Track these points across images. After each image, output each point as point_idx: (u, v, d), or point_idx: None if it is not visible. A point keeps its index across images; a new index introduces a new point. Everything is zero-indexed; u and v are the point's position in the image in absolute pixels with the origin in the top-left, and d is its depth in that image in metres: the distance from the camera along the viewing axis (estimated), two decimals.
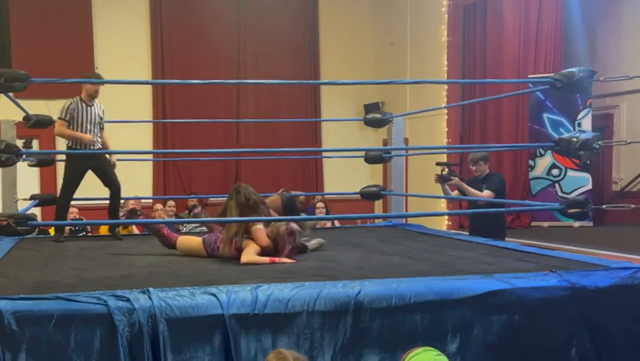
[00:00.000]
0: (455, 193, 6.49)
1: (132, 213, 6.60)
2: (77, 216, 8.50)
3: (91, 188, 10.27)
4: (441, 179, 6.30)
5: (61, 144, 10.97)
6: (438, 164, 6.46)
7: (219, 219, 4.64)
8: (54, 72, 9.69)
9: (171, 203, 9.51)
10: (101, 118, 6.27)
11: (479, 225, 6.48)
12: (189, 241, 5.00)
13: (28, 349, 2.98)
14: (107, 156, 6.20)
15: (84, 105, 6.09)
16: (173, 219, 9.12)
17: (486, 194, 6.23)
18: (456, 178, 6.29)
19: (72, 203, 8.82)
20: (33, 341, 2.98)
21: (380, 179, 10.41)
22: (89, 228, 8.04)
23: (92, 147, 6.08)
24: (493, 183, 6.38)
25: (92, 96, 6.13)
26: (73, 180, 6.08)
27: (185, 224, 8.30)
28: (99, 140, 6.21)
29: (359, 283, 3.46)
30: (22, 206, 6.52)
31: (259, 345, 3.16)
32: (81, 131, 6.03)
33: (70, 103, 6.05)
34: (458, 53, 10.38)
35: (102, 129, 6.29)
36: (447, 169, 6.29)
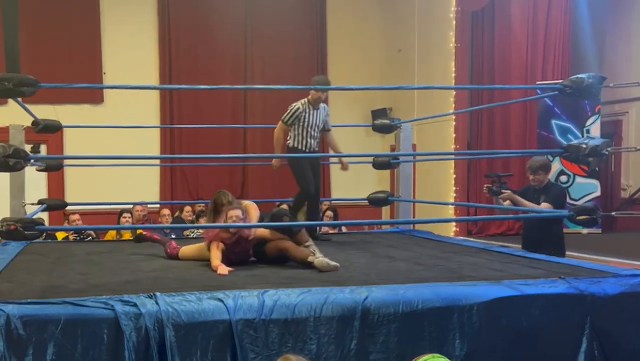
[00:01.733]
0: (507, 204, 5.78)
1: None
2: (79, 223, 8.50)
3: (93, 191, 10.37)
4: (491, 193, 5.69)
5: (70, 149, 11.09)
6: (487, 176, 6.08)
7: (225, 225, 4.63)
8: (63, 77, 9.77)
9: (188, 208, 9.57)
10: (326, 121, 6.33)
11: (533, 240, 5.72)
12: (189, 250, 5.00)
13: (35, 353, 2.98)
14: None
15: (310, 109, 6.17)
16: (178, 224, 9.12)
17: (544, 207, 5.48)
18: (508, 191, 5.65)
19: (75, 208, 8.89)
20: (40, 345, 2.98)
21: (388, 185, 10.41)
22: (93, 233, 8.03)
23: (313, 149, 6.26)
24: (552, 195, 5.66)
25: (317, 101, 6.17)
26: (304, 172, 6.18)
27: (192, 230, 8.31)
28: (317, 142, 6.29)
29: (366, 288, 3.45)
30: (29, 210, 6.53)
31: (265, 350, 3.16)
32: (304, 134, 6.17)
33: (298, 108, 6.14)
34: (466, 59, 10.37)
35: (328, 130, 6.42)
36: (497, 181, 5.73)
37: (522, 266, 4.47)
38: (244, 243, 4.63)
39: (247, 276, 4.17)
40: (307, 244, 4.72)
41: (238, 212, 4.52)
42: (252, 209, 4.87)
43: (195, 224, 8.63)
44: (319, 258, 4.46)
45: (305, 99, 6.21)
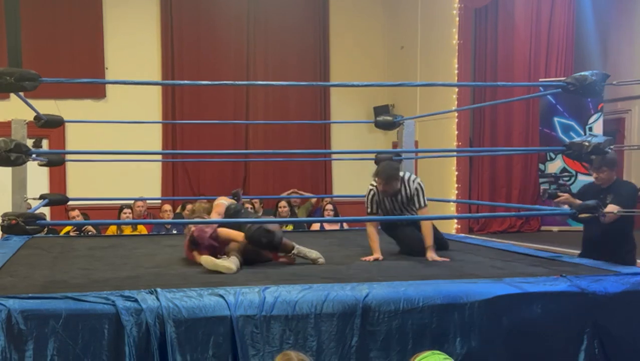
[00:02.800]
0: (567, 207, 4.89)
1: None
2: (80, 218, 8.51)
3: (95, 187, 10.38)
4: (547, 196, 5.10)
5: (71, 145, 11.09)
6: (542, 176, 5.43)
7: (234, 220, 4.62)
8: (65, 72, 9.78)
9: (190, 206, 9.51)
10: (414, 201, 5.14)
11: (597, 246, 4.99)
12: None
13: (35, 348, 2.98)
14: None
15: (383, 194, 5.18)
16: (179, 220, 9.12)
17: (611, 209, 4.66)
18: (565, 194, 4.93)
19: (77, 203, 8.91)
20: (41, 340, 2.99)
21: None
22: (93, 229, 8.03)
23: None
24: (623, 195, 4.87)
25: (385, 193, 5.12)
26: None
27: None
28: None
29: (367, 285, 3.44)
30: (32, 205, 6.54)
31: (266, 347, 3.16)
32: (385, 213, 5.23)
33: (373, 192, 5.15)
34: (469, 56, 10.34)
35: (420, 208, 5.16)
36: (555, 182, 5.22)
37: (524, 264, 4.47)
38: (212, 248, 4.55)
39: (248, 273, 4.17)
40: (294, 251, 4.58)
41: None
42: (216, 207, 4.76)
43: (196, 220, 8.60)
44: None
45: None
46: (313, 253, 4.62)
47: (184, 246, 4.73)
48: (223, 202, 4.73)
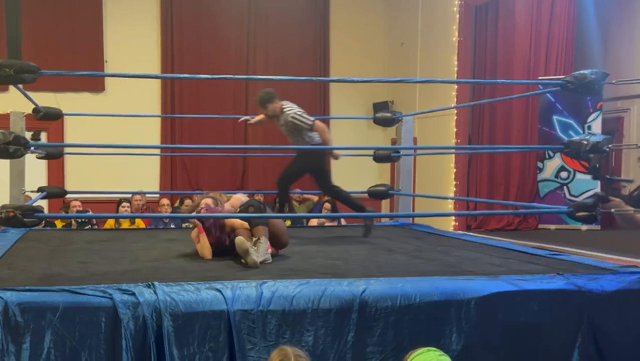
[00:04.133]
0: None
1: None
2: (81, 209, 8.52)
3: (93, 180, 10.37)
4: (598, 199, 4.42)
5: (70, 138, 11.08)
6: (594, 175, 4.85)
7: (228, 215, 4.62)
8: (64, 65, 9.78)
9: (188, 202, 9.51)
10: (287, 123, 6.04)
11: None
12: (194, 234, 4.94)
13: (32, 341, 2.98)
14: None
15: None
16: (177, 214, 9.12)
17: None
18: (617, 199, 4.24)
19: (76, 196, 8.92)
20: (38, 332, 2.99)
21: (388, 178, 10.40)
22: (94, 220, 8.05)
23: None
24: None
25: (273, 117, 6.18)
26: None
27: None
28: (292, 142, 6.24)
29: (364, 281, 3.45)
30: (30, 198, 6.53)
31: (262, 341, 3.16)
32: None
33: None
34: (469, 53, 10.34)
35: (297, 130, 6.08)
36: (611, 185, 4.71)
37: (521, 262, 4.47)
38: (215, 230, 4.58)
39: (245, 267, 4.17)
40: (260, 240, 4.41)
41: (208, 200, 4.62)
42: (232, 200, 4.82)
43: (192, 214, 8.61)
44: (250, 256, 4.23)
45: None
46: (250, 258, 4.25)
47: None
48: (241, 197, 4.79)
